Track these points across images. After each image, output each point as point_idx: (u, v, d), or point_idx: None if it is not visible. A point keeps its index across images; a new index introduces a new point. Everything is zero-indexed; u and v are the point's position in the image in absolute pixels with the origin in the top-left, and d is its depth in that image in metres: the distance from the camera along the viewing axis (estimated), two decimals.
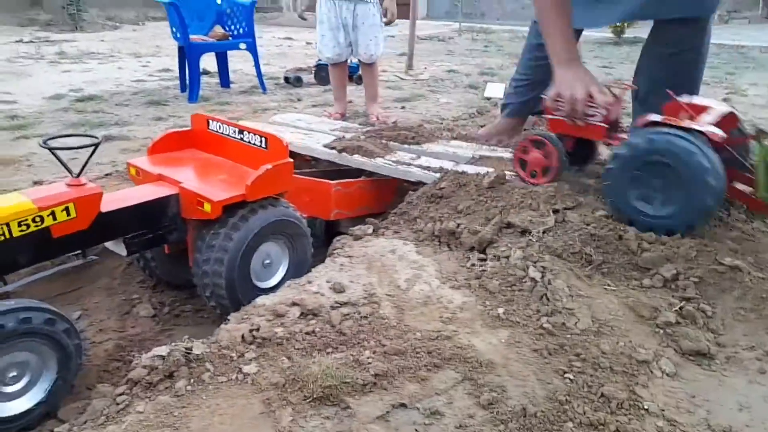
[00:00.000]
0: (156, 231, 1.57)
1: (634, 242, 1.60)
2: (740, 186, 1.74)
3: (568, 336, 1.33)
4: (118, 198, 1.49)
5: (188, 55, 4.26)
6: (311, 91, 4.83)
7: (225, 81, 4.90)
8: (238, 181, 1.61)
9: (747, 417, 1.13)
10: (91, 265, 1.72)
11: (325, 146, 2.42)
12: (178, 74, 4.71)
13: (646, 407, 1.11)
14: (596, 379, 1.20)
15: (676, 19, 2.02)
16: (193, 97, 4.26)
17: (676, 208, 1.56)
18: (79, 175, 1.40)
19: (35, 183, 2.36)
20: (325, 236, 2.25)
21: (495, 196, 1.87)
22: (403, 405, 1.11)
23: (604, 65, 6.39)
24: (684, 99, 1.75)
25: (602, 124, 1.78)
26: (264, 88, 4.75)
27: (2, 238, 1.22)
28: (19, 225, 1.25)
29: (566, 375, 1.21)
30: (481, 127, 3.10)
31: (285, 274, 1.75)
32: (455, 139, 2.71)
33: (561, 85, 1.81)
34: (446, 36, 9.95)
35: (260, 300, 1.46)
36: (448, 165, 2.20)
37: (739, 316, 1.41)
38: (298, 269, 1.78)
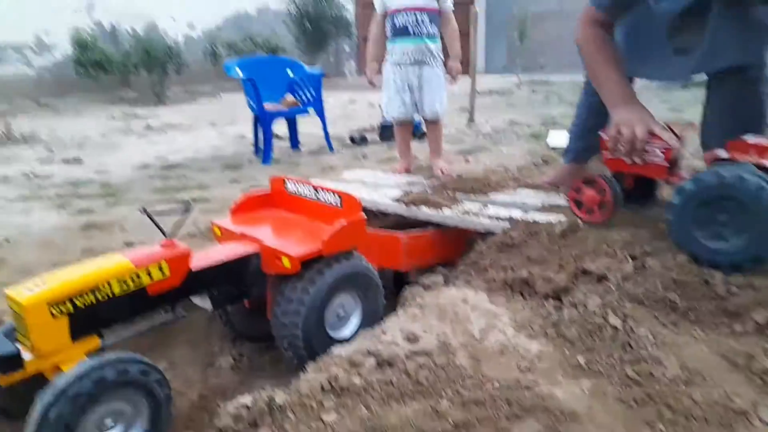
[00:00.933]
0: (239, 286, 1.66)
1: (721, 287, 1.52)
2: None
3: (656, 386, 1.27)
4: (205, 256, 1.60)
5: (262, 121, 4.56)
6: (376, 150, 5.00)
7: (295, 143, 5.17)
8: (315, 237, 1.68)
9: None
10: (177, 321, 1.83)
11: (393, 199, 2.48)
12: (252, 140, 5.03)
13: None
14: (689, 430, 1.12)
15: (732, 68, 1.99)
16: (266, 159, 4.51)
17: (744, 243, 1.55)
18: (170, 236, 1.51)
19: (126, 244, 2.55)
20: (394, 287, 2.28)
21: (568, 243, 1.85)
22: None
23: (672, 108, 6.23)
24: (749, 138, 1.71)
25: (663, 163, 1.79)
26: (331, 148, 4.97)
27: (106, 297, 1.33)
28: (119, 283, 1.36)
29: (656, 426, 1.14)
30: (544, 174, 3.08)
31: (358, 325, 1.78)
32: (522, 187, 2.71)
33: (620, 124, 1.82)
34: (506, 89, 10.08)
35: (336, 350, 1.50)
36: (516, 213, 2.20)
37: None
38: (370, 319, 1.80)
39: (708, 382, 1.26)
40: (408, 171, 3.69)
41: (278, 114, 4.77)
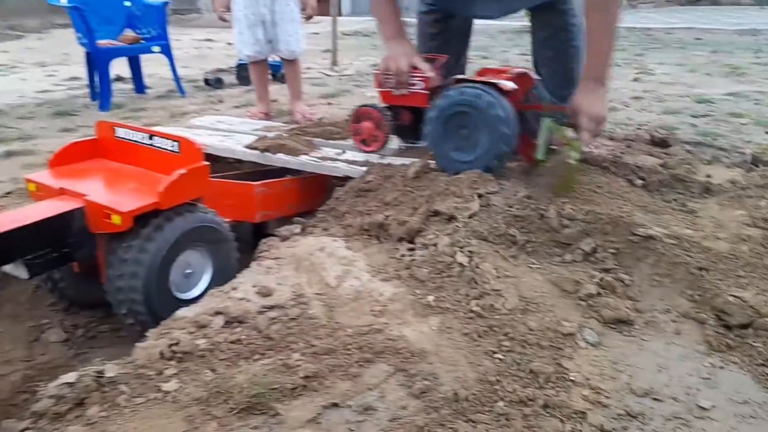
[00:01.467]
0: (61, 249, 1.46)
1: (554, 220, 1.64)
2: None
3: (497, 317, 1.35)
4: (13, 217, 1.37)
5: (97, 61, 4.03)
6: (233, 93, 4.68)
7: (139, 86, 4.67)
8: (150, 189, 1.52)
9: (666, 377, 1.18)
10: None
11: (247, 146, 2.34)
12: (87, 82, 4.45)
13: (572, 378, 1.14)
14: (524, 356, 1.21)
15: (540, 6, 2.26)
16: (104, 105, 4.02)
17: (479, 154, 1.80)
18: None
19: None
20: (253, 239, 2.18)
21: (420, 185, 1.87)
22: (334, 405, 1.08)
23: (523, 53, 6.59)
24: (495, 67, 2.03)
25: (424, 91, 1.98)
26: (182, 92, 4.56)
27: None
28: None
29: (496, 355, 1.22)
30: None
31: (209, 283, 1.68)
32: None
33: (388, 60, 2.00)
34: (371, 31, 9.95)
35: (181, 312, 1.39)
36: (374, 158, 2.18)
37: (654, 282, 1.47)
38: (223, 276, 1.70)
39: (541, 309, 1.37)
40: (266, 115, 3.52)
41: (115, 51, 4.24)
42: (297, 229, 1.91)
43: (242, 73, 4.98)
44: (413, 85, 1.99)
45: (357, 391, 1.12)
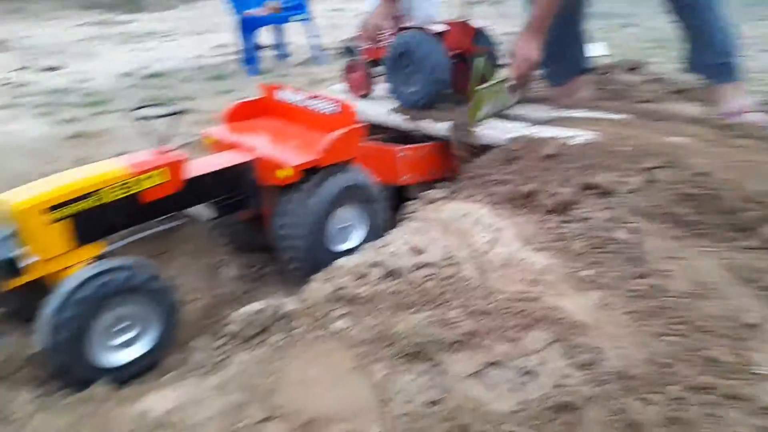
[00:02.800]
0: (235, 197, 1.61)
1: (732, 202, 1.50)
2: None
3: (665, 299, 1.27)
4: (199, 165, 1.53)
5: (243, 29, 4.31)
6: None
7: (282, 53, 4.93)
8: (311, 147, 1.61)
9: None
10: (176, 230, 1.78)
11: (391, 113, 2.38)
12: (236, 49, 4.78)
13: (760, 372, 1.05)
14: (700, 342, 1.14)
15: None
16: (253, 70, 4.31)
17: (418, 87, 2.18)
18: (166, 142, 1.43)
19: (118, 155, 2.45)
20: (393, 203, 2.24)
21: (573, 157, 1.79)
22: (495, 363, 1.10)
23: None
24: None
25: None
26: (321, 60, 4.75)
27: (101, 201, 1.28)
28: (116, 189, 1.30)
29: (666, 338, 1.16)
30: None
31: (361, 239, 1.76)
32: (522, 102, 2.62)
33: (363, 25, 2.46)
34: (496, 1, 9.62)
35: (340, 261, 1.47)
36: (520, 126, 2.13)
37: None
38: (372, 233, 1.78)
39: (717, 295, 1.27)
40: None
41: (261, 20, 4.50)
42: (441, 193, 1.93)
43: None
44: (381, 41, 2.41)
45: (517, 354, 1.13)
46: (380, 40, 2.37)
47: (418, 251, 1.52)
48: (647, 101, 2.38)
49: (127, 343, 1.24)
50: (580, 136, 1.91)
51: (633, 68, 3.80)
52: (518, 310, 1.25)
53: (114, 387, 1.15)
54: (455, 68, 2.33)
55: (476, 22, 2.35)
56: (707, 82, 2.24)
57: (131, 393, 1.05)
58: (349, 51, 4.98)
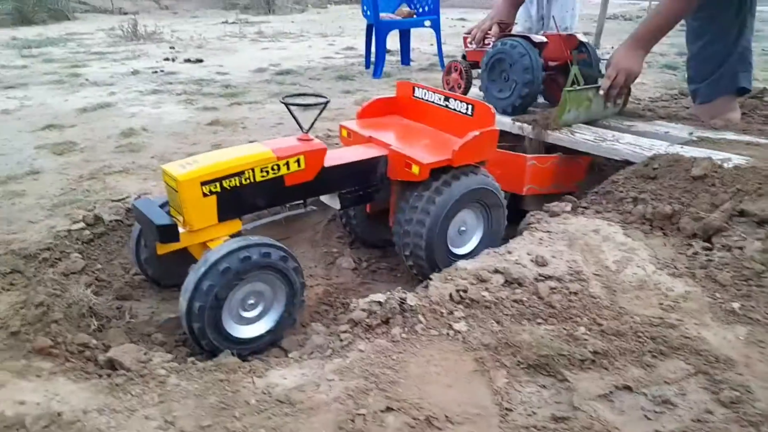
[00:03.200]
0: (366, 189, 1.65)
1: None
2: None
3: None
4: (337, 155, 1.59)
5: (377, 32, 4.43)
6: None
7: (406, 59, 5.01)
8: (443, 147, 1.62)
9: None
10: (299, 218, 1.87)
11: (516, 121, 2.34)
12: (362, 52, 4.93)
13: None
14: None
15: None
16: (377, 72, 4.42)
17: (510, 93, 2.27)
18: (308, 131, 1.51)
19: (252, 141, 2.63)
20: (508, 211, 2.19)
21: (723, 181, 1.65)
22: (627, 388, 1.03)
23: None
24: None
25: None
26: (443, 66, 4.76)
27: (248, 181, 1.37)
28: (262, 171, 1.39)
29: None
30: (686, 108, 2.78)
31: (478, 243, 1.74)
32: (661, 118, 2.45)
33: (474, 27, 2.61)
34: (633, 15, 9.10)
35: (462, 264, 1.46)
36: (660, 144, 1.99)
37: None
38: (491, 239, 1.75)
39: None
40: None
41: (394, 24, 4.60)
42: (567, 206, 1.86)
43: None
44: (487, 44, 2.47)
45: (651, 381, 1.05)
46: (485, 45, 2.49)
47: (542, 263, 1.47)
48: None
49: (256, 318, 1.31)
50: (732, 159, 1.76)
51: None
52: (654, 335, 1.17)
53: (240, 359, 1.22)
54: (553, 80, 2.44)
55: (580, 36, 2.40)
56: None
57: (258, 366, 1.09)
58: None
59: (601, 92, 2.23)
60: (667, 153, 1.84)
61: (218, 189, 1.31)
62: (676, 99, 3.36)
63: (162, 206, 1.40)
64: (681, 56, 5.09)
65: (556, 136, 2.19)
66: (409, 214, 1.61)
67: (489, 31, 2.51)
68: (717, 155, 1.82)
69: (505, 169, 2.11)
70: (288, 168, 1.43)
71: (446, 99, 1.78)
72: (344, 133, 1.84)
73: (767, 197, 1.53)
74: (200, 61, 5.08)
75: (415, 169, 1.55)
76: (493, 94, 2.33)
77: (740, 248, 1.42)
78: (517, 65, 2.17)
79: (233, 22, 8.31)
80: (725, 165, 1.70)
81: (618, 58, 2.17)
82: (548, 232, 1.67)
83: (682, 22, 2.37)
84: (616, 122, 2.34)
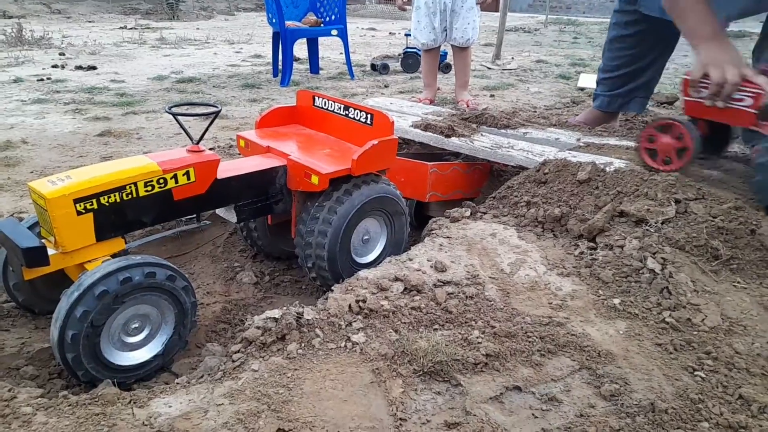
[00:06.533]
0: (264, 200, 1.60)
1: (766, 238, 1.45)
2: None
3: (695, 333, 1.23)
4: (231, 166, 1.53)
5: (283, 40, 4.36)
6: (397, 79, 4.82)
7: (315, 67, 4.98)
8: (344, 156, 1.61)
9: None
10: (197, 232, 1.78)
11: (419, 127, 2.38)
12: (269, 60, 4.85)
13: None
14: (732, 380, 1.09)
15: None
16: (285, 81, 4.36)
17: None
18: (198, 142, 1.44)
19: (145, 153, 2.48)
20: (415, 218, 2.23)
21: (606, 184, 1.76)
22: (517, 388, 1.06)
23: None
24: None
25: (751, 110, 1.61)
26: (352, 75, 4.79)
27: (130, 196, 1.28)
28: (146, 185, 1.30)
29: (696, 373, 1.11)
30: (576, 115, 2.98)
31: (382, 251, 1.74)
32: (553, 126, 2.60)
33: (709, 64, 1.63)
34: (532, 27, 9.65)
35: (363, 273, 1.46)
36: (551, 150, 2.10)
37: None
38: (394, 247, 1.76)
39: (749, 332, 1.22)
40: (432, 102, 3.56)
41: (300, 33, 4.56)
42: (467, 212, 1.91)
43: (407, 60, 5.11)
44: (739, 100, 1.63)
45: (540, 380, 1.09)
46: (737, 100, 1.64)
47: (442, 268, 1.49)
48: None
49: (142, 342, 1.23)
50: (614, 163, 1.88)
51: (667, 102, 3.75)
52: (543, 334, 1.21)
53: (122, 389, 1.13)
54: None
55: None
56: None
57: (139, 396, 1.01)
58: (383, 67, 5.03)
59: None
60: (557, 159, 1.94)
61: (95, 206, 1.21)
62: (568, 107, 3.58)
63: (32, 227, 1.28)
64: (573, 67, 5.44)
65: (455, 144, 2.26)
66: (311, 225, 1.58)
67: (745, 84, 1.60)
68: (600, 159, 1.95)
69: (408, 176, 2.13)
70: (176, 181, 1.36)
71: (346, 108, 1.77)
72: (242, 143, 1.78)
73: (643, 198, 1.65)
74: (93, 68, 4.77)
75: (315, 179, 1.53)
76: None
77: (621, 247, 1.52)
78: None
79: (132, 28, 7.89)
80: (607, 169, 1.81)
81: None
82: (448, 237, 1.70)
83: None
84: (513, 130, 2.45)
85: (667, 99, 3.69)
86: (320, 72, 5.00)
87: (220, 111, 1.46)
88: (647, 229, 1.55)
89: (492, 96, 4.06)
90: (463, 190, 2.29)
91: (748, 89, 1.60)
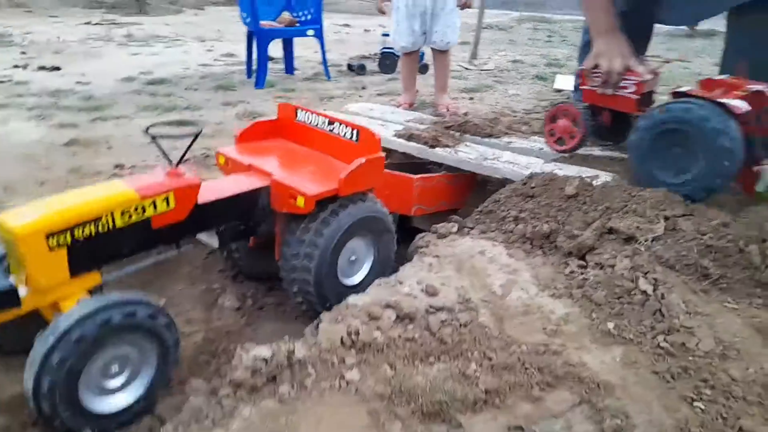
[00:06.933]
0: (247, 223, 1.54)
1: (757, 256, 1.46)
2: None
3: (691, 358, 1.22)
4: (212, 189, 1.46)
5: (258, 40, 4.26)
6: (374, 80, 4.76)
7: (290, 67, 4.88)
8: (329, 175, 1.55)
9: None
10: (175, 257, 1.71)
11: (403, 137, 2.34)
12: (243, 59, 4.73)
13: None
14: (731, 410, 1.08)
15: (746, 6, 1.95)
16: (260, 83, 4.26)
17: (688, 179, 1.63)
18: (178, 164, 1.37)
19: (116, 166, 2.38)
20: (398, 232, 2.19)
21: (594, 199, 1.75)
22: (519, 428, 1.03)
23: (680, 59, 6.04)
24: (726, 78, 1.76)
25: (633, 96, 1.83)
26: (328, 76, 4.71)
27: (107, 229, 1.20)
28: (122, 215, 1.23)
29: (695, 404, 1.10)
30: None
31: (369, 271, 1.70)
32: (536, 134, 2.58)
33: (599, 56, 1.86)
34: (506, 25, 9.69)
35: (352, 300, 1.41)
36: (536, 162, 2.09)
37: None
38: (381, 266, 1.72)
39: (743, 357, 1.22)
40: (411, 106, 3.52)
41: (275, 33, 4.46)
42: (454, 227, 1.88)
43: (385, 61, 5.05)
44: (624, 87, 1.84)
45: (540, 416, 1.06)
46: (622, 87, 1.84)
47: (433, 292, 1.46)
48: None
49: (122, 386, 1.16)
50: (600, 176, 1.87)
51: None
52: (540, 365, 1.19)
53: None
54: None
55: None
56: None
57: None
58: (360, 68, 4.96)
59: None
60: (543, 172, 1.93)
61: (68, 240, 1.14)
62: (547, 110, 3.58)
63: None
64: (549, 67, 5.47)
65: (440, 155, 2.22)
66: (296, 248, 1.53)
67: (629, 73, 1.83)
68: (587, 172, 1.94)
69: (393, 190, 2.09)
70: (155, 208, 1.28)
71: (330, 123, 1.72)
72: (221, 160, 1.71)
73: (632, 215, 1.64)
74: (57, 68, 4.57)
75: (300, 201, 1.47)
76: (651, 171, 1.71)
77: (611, 266, 1.50)
78: (710, 146, 1.55)
79: (98, 23, 7.63)
80: (594, 183, 1.80)
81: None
82: (437, 256, 1.66)
83: None
84: (497, 139, 2.42)
85: None
86: (295, 72, 4.90)
87: (201, 131, 1.39)
88: (637, 248, 1.54)
89: (471, 99, 4.04)
90: (448, 201, 2.26)
91: (631, 78, 1.82)
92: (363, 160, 1.54)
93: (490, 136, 2.48)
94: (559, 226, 1.71)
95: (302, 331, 1.34)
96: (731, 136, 1.52)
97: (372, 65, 5.13)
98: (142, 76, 4.52)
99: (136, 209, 1.25)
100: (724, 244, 1.50)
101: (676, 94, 1.67)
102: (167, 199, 1.30)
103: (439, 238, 1.82)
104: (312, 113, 1.77)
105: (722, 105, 1.55)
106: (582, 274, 1.54)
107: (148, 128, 1.32)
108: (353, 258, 1.66)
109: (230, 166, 1.67)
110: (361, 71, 5.00)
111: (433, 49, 3.46)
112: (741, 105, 1.57)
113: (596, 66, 1.87)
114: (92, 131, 2.93)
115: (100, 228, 1.19)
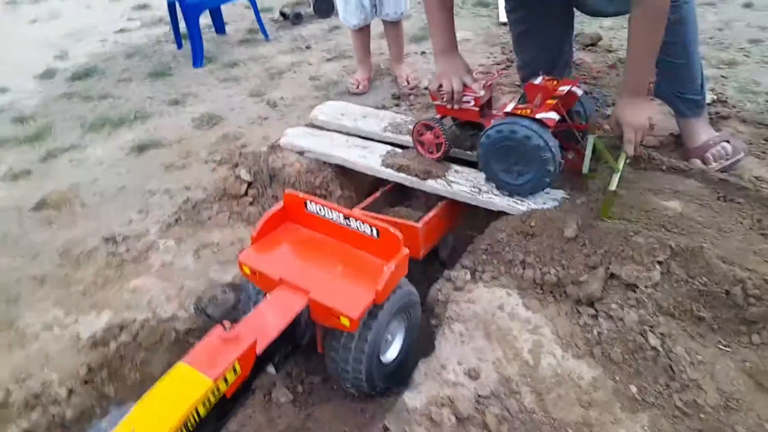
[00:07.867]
0: (293, 342, 1.62)
1: (740, 297, 1.70)
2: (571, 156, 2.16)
3: (702, 416, 1.49)
4: (260, 331, 1.50)
5: (186, 15, 3.86)
6: (316, 33, 4.48)
7: (220, 26, 4.50)
8: (362, 279, 1.63)
9: None
10: None
11: (392, 167, 2.36)
12: (161, 16, 4.29)
13: None
14: None
15: None
16: (197, 61, 3.94)
17: (528, 178, 2.03)
18: (231, 327, 1.41)
19: (107, 240, 2.25)
20: None
21: (593, 241, 1.89)
22: None
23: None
24: (538, 80, 2.10)
25: (474, 108, 2.18)
26: (266, 34, 4.39)
27: (191, 422, 1.27)
28: (204, 405, 1.29)
29: None
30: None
31: (402, 343, 1.85)
32: None
33: (441, 77, 2.16)
34: None
35: (409, 403, 1.57)
36: (533, 200, 2.15)
37: None
38: (412, 334, 1.87)
39: (742, 407, 1.49)
40: (369, 80, 3.44)
41: (203, 5, 4.03)
42: (467, 275, 2.02)
43: (320, 5, 4.73)
44: (466, 102, 2.17)
45: None
46: (464, 102, 2.17)
47: (475, 375, 1.64)
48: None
49: None
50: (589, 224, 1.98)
51: (591, 44, 3.83)
52: None
53: None
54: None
55: (579, 88, 2.12)
56: (682, 116, 2.38)
57: None
58: (296, 17, 4.61)
59: (629, 159, 2.06)
60: (542, 210, 2.03)
61: None
62: (508, 68, 3.57)
63: None
64: None
65: (432, 186, 2.27)
66: (344, 354, 1.64)
67: (467, 90, 2.14)
68: (574, 222, 2.03)
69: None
70: (227, 383, 1.35)
71: (346, 218, 1.74)
72: (246, 270, 1.73)
73: (630, 261, 1.81)
74: None
75: (345, 321, 1.56)
76: (497, 174, 2.09)
77: (621, 319, 1.72)
78: (532, 155, 1.93)
79: None
80: (591, 223, 1.95)
81: (628, 118, 1.97)
82: (464, 322, 1.82)
83: None
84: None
85: (591, 40, 3.77)
86: (228, 32, 4.53)
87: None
88: (640, 297, 1.75)
89: (423, 53, 3.93)
90: (446, 228, 2.37)
91: (470, 94, 2.15)
92: (393, 266, 1.61)
93: (472, 149, 2.45)
94: (565, 273, 1.88)
95: (359, 411, 1.49)
96: (550, 146, 1.90)
97: (307, 10, 4.79)
98: (60, 63, 4.07)
99: (213, 393, 1.31)
100: (712, 287, 1.71)
101: (507, 114, 1.99)
102: (234, 369, 1.37)
103: (455, 291, 1.96)
104: (324, 206, 1.77)
105: (539, 121, 1.90)
106: (596, 326, 1.75)
107: (197, 306, 1.34)
108: (390, 338, 1.80)
109: (258, 278, 1.70)
110: (297, 20, 4.68)
111: (384, 21, 3.31)
112: (553, 116, 1.92)
113: (441, 85, 2.16)
114: (52, 178, 2.67)
115: (189, 427, 1.26)
